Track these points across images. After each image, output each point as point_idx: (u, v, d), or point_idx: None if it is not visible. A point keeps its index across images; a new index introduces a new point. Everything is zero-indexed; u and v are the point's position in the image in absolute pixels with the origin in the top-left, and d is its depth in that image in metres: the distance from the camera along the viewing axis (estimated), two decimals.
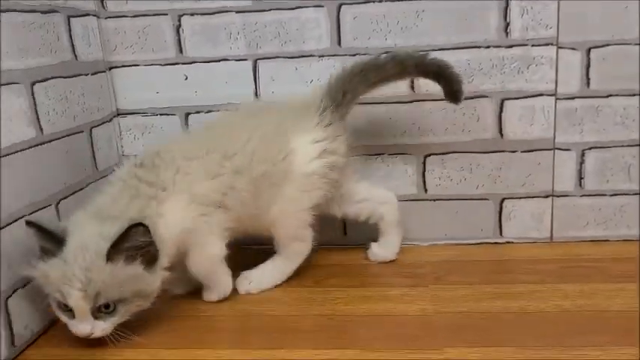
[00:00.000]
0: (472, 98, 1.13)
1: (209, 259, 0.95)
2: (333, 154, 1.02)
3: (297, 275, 1.08)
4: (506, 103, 1.13)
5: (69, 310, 0.81)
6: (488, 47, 1.10)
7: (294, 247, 1.05)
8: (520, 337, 0.84)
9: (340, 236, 1.23)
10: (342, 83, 1.02)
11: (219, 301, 1.00)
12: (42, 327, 0.91)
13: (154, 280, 0.85)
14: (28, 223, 0.82)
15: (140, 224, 0.81)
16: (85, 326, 0.81)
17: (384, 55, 1.02)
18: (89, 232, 0.83)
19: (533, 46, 1.10)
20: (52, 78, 0.97)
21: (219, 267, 0.97)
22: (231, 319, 0.95)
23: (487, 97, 1.12)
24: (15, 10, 0.88)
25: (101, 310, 0.81)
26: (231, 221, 0.95)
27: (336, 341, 0.86)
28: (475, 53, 1.11)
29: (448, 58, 1.09)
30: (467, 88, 1.11)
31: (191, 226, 0.91)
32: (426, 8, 1.10)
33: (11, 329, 0.84)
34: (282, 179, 0.98)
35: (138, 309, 0.85)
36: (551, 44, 1.09)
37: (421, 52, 1.03)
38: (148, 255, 0.83)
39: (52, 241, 0.81)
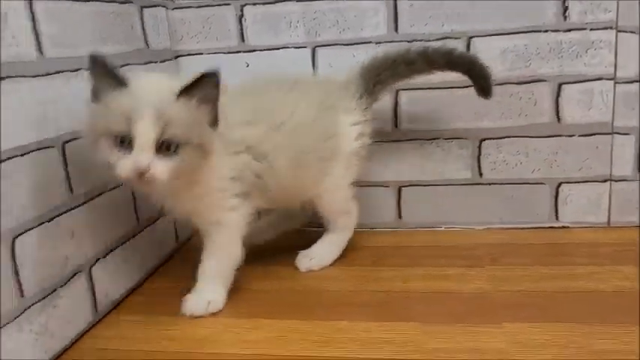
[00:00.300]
0: (529, 83, 1.14)
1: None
2: (366, 137, 1.07)
3: (354, 256, 1.12)
4: (564, 88, 1.13)
5: (126, 147, 0.76)
6: (545, 31, 1.11)
7: (343, 220, 1.10)
8: (580, 314, 0.85)
9: (395, 219, 1.26)
10: (374, 74, 1.07)
11: (281, 279, 1.04)
12: (119, 295, 0.98)
13: (213, 138, 0.82)
14: (93, 57, 0.77)
15: (214, 74, 0.79)
16: (143, 157, 0.75)
17: (415, 49, 1.06)
18: (158, 76, 0.86)
19: (591, 30, 1.10)
20: (128, 64, 1.03)
21: None
22: (294, 294, 0.99)
23: (544, 81, 1.13)
24: (97, 1, 0.94)
25: (162, 149, 0.77)
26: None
27: (396, 316, 0.89)
28: (532, 38, 1.12)
29: (505, 43, 1.12)
30: (524, 73, 1.13)
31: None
32: None
33: (94, 296, 0.90)
34: (330, 155, 1.02)
35: (191, 165, 0.80)
36: (611, 28, 1.09)
37: (450, 48, 1.06)
38: (213, 112, 0.81)
39: (111, 80, 0.77)
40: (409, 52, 1.06)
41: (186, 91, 0.79)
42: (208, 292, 0.93)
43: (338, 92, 1.05)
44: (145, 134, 0.76)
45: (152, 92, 0.78)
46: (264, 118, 0.94)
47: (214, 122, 0.82)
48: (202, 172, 0.85)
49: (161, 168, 0.77)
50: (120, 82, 0.77)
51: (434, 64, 1.06)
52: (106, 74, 0.78)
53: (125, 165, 0.76)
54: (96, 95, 0.79)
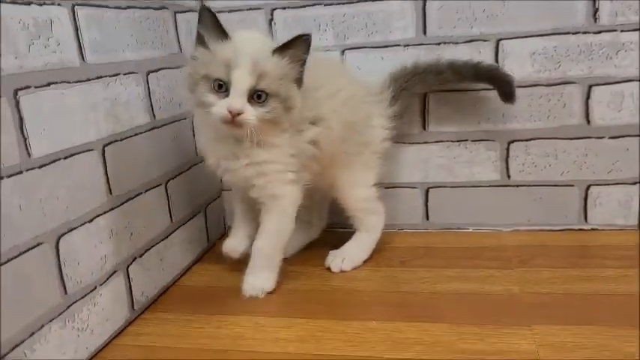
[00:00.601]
0: (558, 84, 1.14)
1: None
2: (388, 142, 1.13)
3: (383, 257, 1.14)
4: (594, 89, 1.13)
5: (223, 91, 0.87)
6: (575, 33, 1.11)
7: (370, 221, 1.12)
8: (611, 317, 0.85)
9: (423, 221, 1.27)
10: (403, 81, 1.12)
11: (311, 279, 1.06)
12: (155, 294, 1.01)
13: (297, 95, 0.91)
14: (204, 8, 0.88)
15: (308, 36, 0.88)
16: (238, 102, 0.86)
17: (444, 60, 1.11)
18: (256, 34, 0.95)
19: (622, 31, 1.09)
20: (162, 69, 1.06)
21: None
22: (325, 294, 1.01)
23: (574, 83, 1.13)
24: (134, 7, 0.97)
25: (254, 98, 0.87)
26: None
27: (426, 316, 0.90)
28: (562, 39, 1.12)
29: (534, 44, 1.12)
30: (553, 75, 1.13)
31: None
32: None
33: (131, 294, 0.93)
34: (359, 147, 1.07)
35: (275, 116, 0.89)
36: None
37: (477, 61, 1.11)
38: (300, 71, 0.90)
39: (215, 31, 0.88)
40: (440, 63, 1.12)
41: (281, 49, 0.88)
42: (262, 274, 1.01)
43: (374, 95, 1.11)
44: (241, 82, 0.86)
45: (251, 46, 0.88)
46: (325, 84, 1.01)
47: (299, 81, 0.91)
48: (275, 136, 0.92)
49: (251, 113, 0.87)
50: (223, 34, 0.88)
51: (462, 76, 1.12)
52: (212, 25, 0.88)
53: (221, 106, 0.86)
54: (201, 42, 0.89)
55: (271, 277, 1.01)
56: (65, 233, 0.78)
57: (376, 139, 1.10)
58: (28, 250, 0.71)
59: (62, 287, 0.77)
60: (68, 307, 0.78)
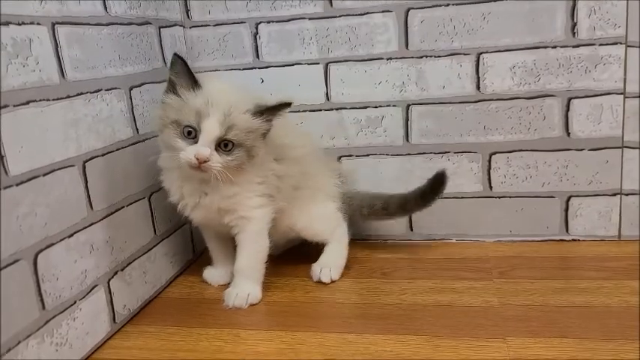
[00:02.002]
0: (538, 97, 1.15)
1: None
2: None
3: (366, 268, 1.15)
4: (574, 102, 1.14)
5: (192, 137, 0.91)
6: (554, 47, 1.12)
7: (337, 232, 1.15)
8: (585, 330, 0.86)
9: (406, 231, 1.28)
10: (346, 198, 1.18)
11: (294, 290, 1.07)
12: (137, 307, 1.02)
13: (262, 148, 0.96)
14: (177, 57, 0.92)
15: (289, 105, 0.95)
16: (206, 149, 0.90)
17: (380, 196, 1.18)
18: (228, 85, 0.98)
19: (601, 45, 1.11)
20: (146, 83, 1.07)
21: None
22: (306, 306, 1.02)
23: (554, 95, 1.14)
24: (116, 24, 0.99)
25: (220, 147, 0.91)
26: None
27: (403, 328, 0.91)
28: (541, 53, 1.13)
29: (514, 58, 1.14)
30: (533, 88, 1.15)
31: None
32: (492, 10, 1.13)
33: (113, 308, 0.94)
34: (316, 190, 1.13)
35: (241, 165, 0.94)
36: (620, 43, 1.10)
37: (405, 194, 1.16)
38: (268, 127, 0.96)
39: (187, 80, 0.92)
40: (374, 200, 1.18)
41: (260, 109, 0.94)
42: (247, 285, 1.03)
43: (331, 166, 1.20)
44: (211, 132, 0.90)
45: (223, 98, 0.92)
46: (289, 140, 1.08)
47: (265, 134, 0.97)
48: (240, 174, 0.96)
49: (217, 160, 0.91)
50: (195, 83, 0.93)
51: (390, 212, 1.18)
52: (184, 74, 0.92)
53: (190, 152, 0.90)
54: (172, 88, 0.94)
55: (256, 288, 1.04)
56: (44, 249, 0.79)
57: (330, 185, 1.16)
58: (5, 267, 0.72)
59: (40, 303, 0.78)
60: (46, 322, 0.79)
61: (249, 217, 1.00)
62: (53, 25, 0.83)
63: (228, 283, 1.06)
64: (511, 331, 0.87)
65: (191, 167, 0.91)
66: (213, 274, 1.12)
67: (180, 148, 0.91)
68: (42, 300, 0.79)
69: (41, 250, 0.79)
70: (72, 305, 0.84)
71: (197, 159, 0.89)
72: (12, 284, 0.73)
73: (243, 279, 1.03)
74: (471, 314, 0.94)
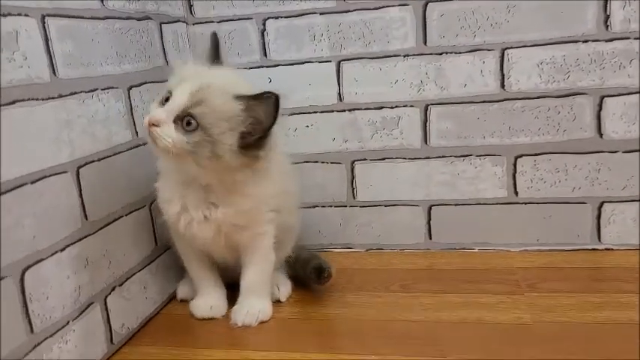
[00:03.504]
0: (568, 96, 1.07)
1: None
2: None
3: (383, 280, 1.07)
4: (606, 101, 1.06)
5: (166, 100, 0.80)
6: (586, 42, 1.04)
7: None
8: (632, 351, 0.77)
9: (424, 240, 1.20)
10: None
11: (306, 306, 0.99)
12: (137, 325, 0.93)
13: (232, 155, 0.80)
14: (214, 33, 0.90)
15: (277, 97, 0.79)
16: (161, 113, 0.79)
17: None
18: (232, 73, 0.89)
19: (636, 39, 1.03)
20: (146, 83, 0.99)
21: None
22: (319, 323, 0.94)
23: (585, 94, 1.06)
24: (113, 18, 0.91)
25: (183, 121, 0.78)
26: None
27: (428, 349, 0.83)
28: (571, 48, 1.05)
29: (542, 54, 1.06)
30: (562, 86, 1.07)
31: None
32: (517, 2, 1.05)
33: (110, 327, 0.86)
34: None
35: (197, 158, 0.80)
36: None
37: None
38: (248, 136, 0.81)
39: (208, 54, 0.89)
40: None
41: (244, 97, 0.80)
42: (257, 301, 0.94)
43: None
44: (178, 98, 0.79)
45: (212, 74, 0.84)
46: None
47: (243, 139, 0.81)
48: (253, 187, 0.87)
49: (169, 132, 0.78)
50: (215, 59, 0.88)
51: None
52: (211, 48, 0.89)
53: (150, 113, 0.80)
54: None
55: (267, 304, 0.96)
56: (32, 265, 0.71)
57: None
58: None
59: (28, 325, 0.70)
60: (35, 346, 0.71)
61: (263, 232, 0.92)
62: (43, 17, 0.75)
63: (223, 315, 0.97)
64: (549, 352, 0.79)
65: (146, 133, 0.80)
66: (201, 306, 0.97)
67: (151, 110, 0.81)
68: (30, 322, 0.70)
69: (29, 266, 0.71)
70: (64, 326, 0.76)
71: (148, 120, 0.78)
72: None
73: (252, 296, 0.95)
74: (503, 332, 0.86)
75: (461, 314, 0.92)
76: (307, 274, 1.01)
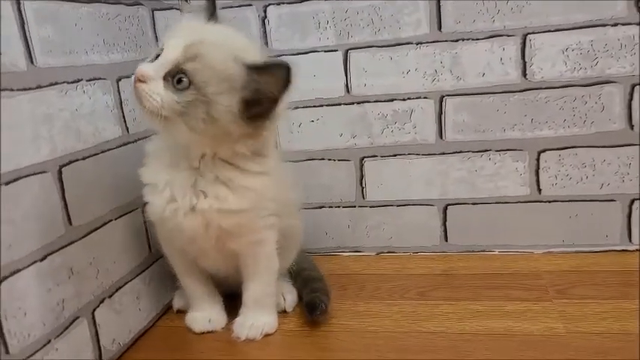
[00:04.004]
0: (596, 84, 0.99)
1: None
2: None
3: (398, 286, 0.99)
4: (638, 89, 0.97)
5: (157, 57, 0.71)
6: (615, 25, 0.96)
7: None
8: None
9: (440, 242, 1.11)
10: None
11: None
12: (130, 340, 0.85)
13: (229, 119, 0.71)
14: None
15: (288, 69, 0.70)
16: (150, 68, 0.70)
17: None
18: (236, 33, 0.77)
19: None
20: None
21: None
22: (328, 336, 0.85)
23: (614, 82, 0.98)
24: (99, 2, 0.82)
25: (174, 78, 0.70)
26: None
27: None
28: (600, 33, 0.97)
29: (568, 39, 0.98)
30: (590, 74, 0.98)
31: None
32: None
33: (98, 344, 0.78)
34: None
35: (190, 119, 0.70)
36: None
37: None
38: (255, 106, 0.71)
39: (209, 10, 0.78)
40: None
41: (253, 65, 0.71)
42: (262, 314, 0.87)
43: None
44: (169, 52, 0.70)
45: (212, 30, 0.75)
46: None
47: (245, 107, 0.71)
48: (249, 179, 0.78)
49: (157, 90, 0.69)
50: (211, 15, 0.77)
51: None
52: (209, 6, 0.78)
53: (138, 67, 0.70)
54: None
55: (272, 317, 0.88)
56: (8, 277, 0.63)
57: None
58: None
59: (3, 346, 0.62)
60: None
61: (262, 239, 0.83)
62: None
63: (223, 328, 0.89)
64: None
65: (133, 90, 0.70)
66: (198, 319, 0.88)
67: (140, 65, 0.71)
68: (5, 343, 0.62)
69: (5, 278, 0.62)
70: (45, 345, 0.68)
71: (135, 75, 0.69)
72: None
73: (256, 308, 0.86)
74: (534, 345, 0.77)
75: (486, 324, 0.84)
76: (303, 303, 0.92)
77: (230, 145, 0.75)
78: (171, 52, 0.70)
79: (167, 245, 0.86)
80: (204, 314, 0.88)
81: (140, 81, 0.69)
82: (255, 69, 0.71)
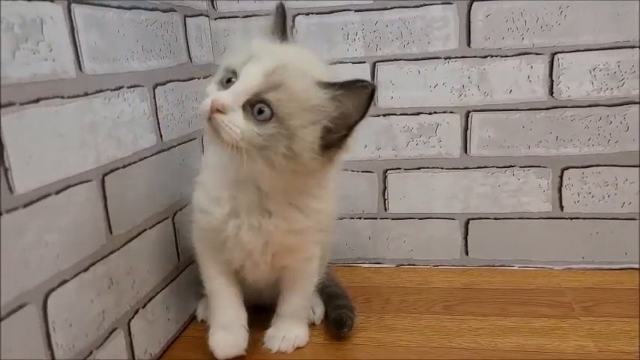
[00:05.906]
0: (621, 105, 1.00)
1: None
2: None
3: (422, 299, 0.99)
4: None
5: (228, 82, 0.66)
6: None
7: None
8: None
9: (461, 256, 1.12)
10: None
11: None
12: (160, 350, 0.84)
13: (310, 155, 0.66)
14: (281, 4, 0.75)
15: (373, 88, 0.64)
16: (228, 96, 0.63)
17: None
18: (311, 53, 0.71)
19: None
20: (171, 81, 0.90)
21: None
22: (359, 350, 0.85)
23: (639, 103, 0.99)
24: (139, 8, 0.81)
25: (254, 108, 0.64)
26: None
27: None
28: (627, 54, 0.98)
29: (595, 59, 1.00)
30: (616, 94, 1.00)
31: None
32: (570, 3, 0.98)
33: (133, 355, 0.77)
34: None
35: (270, 154, 0.65)
36: None
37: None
38: (330, 133, 0.66)
39: (274, 25, 0.73)
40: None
41: (329, 84, 0.66)
42: (294, 327, 0.86)
43: None
44: (249, 79, 0.64)
45: (291, 52, 0.68)
46: None
47: (327, 136, 0.66)
48: (314, 202, 0.76)
49: (237, 121, 0.63)
50: (281, 33, 0.72)
51: None
52: (277, 18, 0.73)
53: (210, 97, 0.64)
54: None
55: (304, 329, 0.88)
56: (56, 288, 0.62)
57: None
58: (7, 315, 0.55)
59: (50, 358, 0.60)
60: None
61: (311, 256, 0.83)
62: (69, 3, 0.66)
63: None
64: None
65: (205, 121, 0.65)
66: (228, 341, 0.80)
67: (207, 94, 0.66)
68: (52, 354, 0.61)
69: (53, 290, 0.61)
70: (87, 356, 0.67)
71: (212, 104, 0.63)
72: (14, 338, 0.56)
73: (290, 320, 0.86)
74: None
75: (516, 341, 0.84)
76: (327, 320, 0.91)
77: (303, 179, 0.71)
78: (251, 80, 0.64)
79: (207, 253, 0.82)
80: (229, 338, 0.80)
81: (218, 111, 0.63)
82: (337, 90, 0.65)
